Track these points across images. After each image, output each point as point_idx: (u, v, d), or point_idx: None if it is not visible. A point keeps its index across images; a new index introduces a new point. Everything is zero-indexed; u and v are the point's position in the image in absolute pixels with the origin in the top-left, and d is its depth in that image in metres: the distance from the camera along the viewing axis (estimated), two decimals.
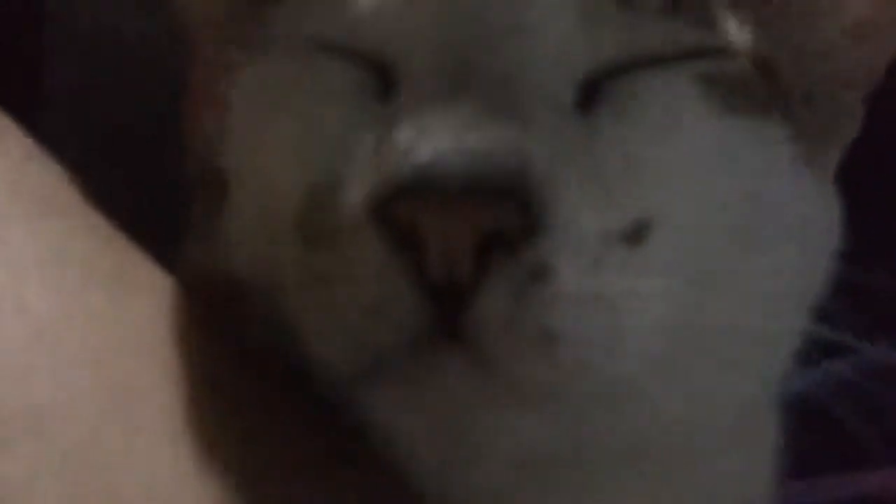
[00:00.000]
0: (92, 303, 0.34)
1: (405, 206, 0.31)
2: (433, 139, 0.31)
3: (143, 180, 0.58)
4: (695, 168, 0.35)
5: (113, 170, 0.64)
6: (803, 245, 0.38)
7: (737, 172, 0.36)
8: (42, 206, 0.37)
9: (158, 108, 0.56)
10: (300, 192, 0.35)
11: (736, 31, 0.38)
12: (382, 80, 0.36)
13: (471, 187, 0.30)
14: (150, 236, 0.52)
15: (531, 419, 0.33)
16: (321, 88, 0.37)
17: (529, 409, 0.33)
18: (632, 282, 0.32)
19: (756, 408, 0.40)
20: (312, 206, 0.35)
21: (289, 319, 0.35)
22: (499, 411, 0.33)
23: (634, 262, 0.33)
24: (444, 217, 0.30)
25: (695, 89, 0.36)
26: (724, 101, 0.36)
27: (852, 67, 0.41)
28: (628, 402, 0.34)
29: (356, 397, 0.34)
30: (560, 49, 0.35)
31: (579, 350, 0.32)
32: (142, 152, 0.62)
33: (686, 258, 0.34)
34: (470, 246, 0.30)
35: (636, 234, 0.33)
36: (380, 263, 0.32)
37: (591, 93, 0.35)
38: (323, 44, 0.38)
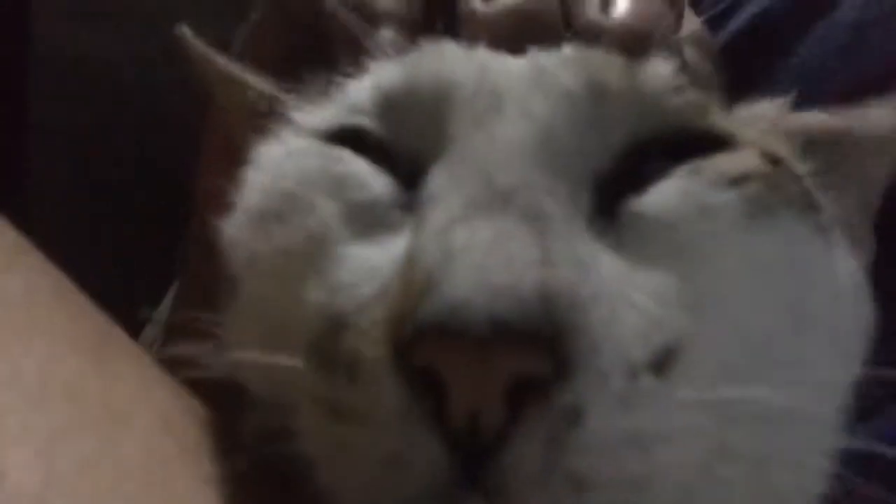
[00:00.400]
0: (79, 454, 0.30)
1: (425, 349, 0.28)
2: (456, 266, 0.29)
3: (132, 206, 0.57)
4: (729, 279, 0.33)
5: (102, 200, 0.63)
6: (840, 343, 0.36)
7: (770, 277, 0.34)
8: (27, 318, 0.34)
9: (146, 136, 0.55)
10: (317, 311, 0.33)
11: (740, 126, 0.37)
12: (398, 173, 0.35)
13: (499, 333, 0.27)
14: (138, 268, 0.51)
15: None
16: (343, 195, 0.35)
17: None
18: (662, 416, 0.30)
19: None
20: (330, 329, 0.32)
21: (296, 439, 0.33)
22: None
23: (663, 394, 0.30)
24: (470, 363, 0.27)
25: (722, 195, 0.34)
26: (749, 203, 0.34)
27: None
28: None
29: None
30: (572, 146, 0.34)
31: (610, 495, 0.29)
32: (131, 179, 0.61)
33: (714, 379, 0.31)
34: (498, 394, 0.28)
35: (666, 361, 0.31)
36: (399, 407, 0.29)
37: (610, 202, 0.34)
38: (336, 130, 0.37)
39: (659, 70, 0.37)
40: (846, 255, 0.37)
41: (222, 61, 0.45)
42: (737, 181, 0.34)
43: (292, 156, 0.38)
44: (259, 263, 0.36)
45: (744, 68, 0.50)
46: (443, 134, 0.35)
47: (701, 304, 0.32)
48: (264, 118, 0.41)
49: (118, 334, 0.36)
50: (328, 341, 0.32)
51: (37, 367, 0.31)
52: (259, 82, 0.43)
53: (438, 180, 0.33)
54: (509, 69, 0.37)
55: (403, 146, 0.36)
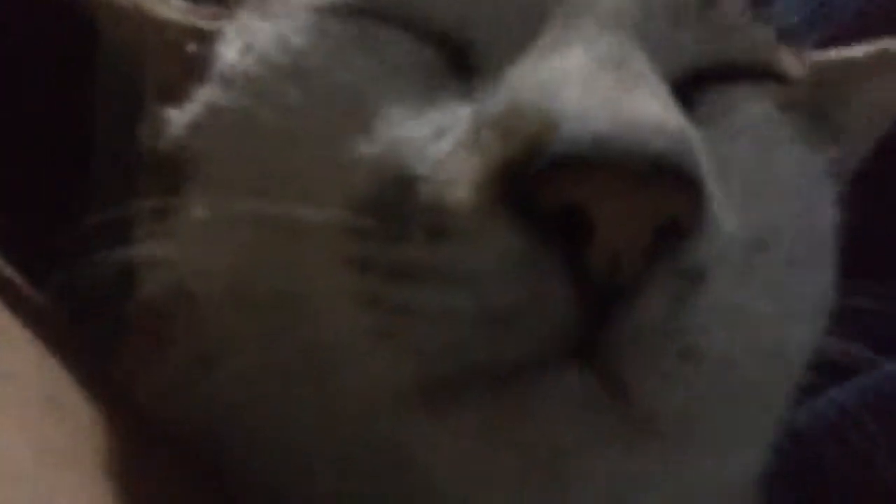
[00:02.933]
0: None
1: (567, 183, 0.25)
2: (587, 104, 0.26)
3: None
4: (786, 191, 0.34)
5: None
6: (832, 264, 0.37)
7: (807, 198, 0.35)
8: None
9: None
10: (370, 167, 0.30)
11: (793, 66, 0.38)
12: (454, 60, 0.33)
13: (658, 169, 0.25)
14: None
15: (640, 459, 0.29)
16: (378, 61, 0.33)
17: (643, 449, 0.29)
18: (759, 298, 0.30)
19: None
20: (394, 186, 0.29)
21: (290, 340, 0.30)
22: (614, 448, 0.28)
23: (758, 278, 0.30)
24: (623, 202, 0.25)
25: (779, 115, 0.36)
26: (798, 130, 0.36)
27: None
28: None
29: (399, 433, 0.29)
30: (656, 39, 0.32)
31: (712, 372, 0.28)
32: None
33: (780, 281, 0.32)
34: (648, 234, 0.26)
35: (758, 249, 0.31)
36: (517, 256, 0.26)
37: (686, 100, 0.33)
38: (376, 12, 0.34)
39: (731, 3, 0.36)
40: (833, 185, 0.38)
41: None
42: (790, 107, 0.36)
43: (302, 17, 0.35)
44: (261, 125, 0.33)
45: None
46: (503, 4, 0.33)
47: (770, 204, 0.33)
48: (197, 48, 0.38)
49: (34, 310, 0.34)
50: (391, 198, 0.29)
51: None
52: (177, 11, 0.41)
53: (520, 44, 0.31)
54: None
55: (441, 21, 0.33)
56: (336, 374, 0.30)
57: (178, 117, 0.36)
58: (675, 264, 0.27)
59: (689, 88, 0.34)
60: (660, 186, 0.26)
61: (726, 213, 0.29)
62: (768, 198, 0.33)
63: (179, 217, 0.34)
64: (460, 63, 0.32)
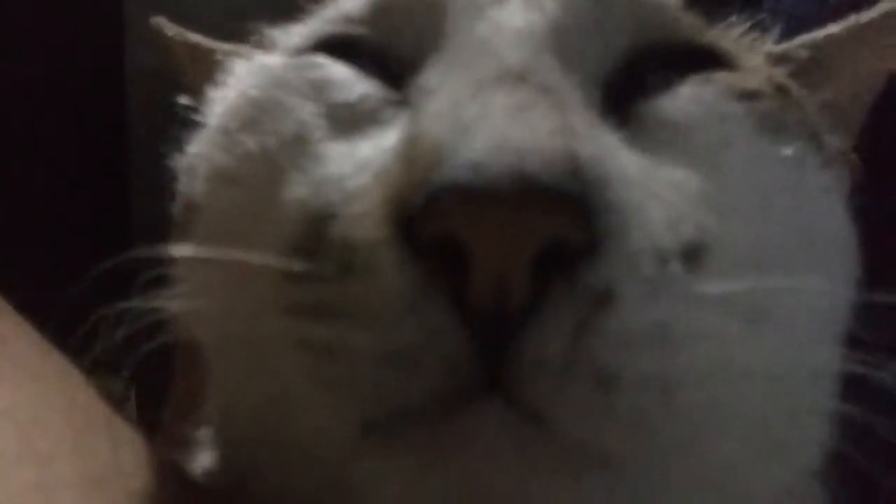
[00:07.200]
0: None
1: (442, 216, 0.25)
2: (474, 132, 0.26)
3: None
4: (743, 188, 0.32)
5: None
6: (838, 274, 0.35)
7: (781, 196, 0.33)
8: None
9: None
10: (298, 208, 0.30)
11: (744, 50, 0.37)
12: (388, 77, 0.33)
13: (529, 190, 0.25)
14: None
15: (581, 490, 0.28)
16: (325, 100, 0.33)
17: (580, 478, 0.28)
18: (690, 311, 0.28)
19: (804, 477, 0.36)
20: (314, 224, 0.29)
21: (259, 386, 0.31)
22: (546, 479, 0.27)
23: (693, 289, 0.28)
24: (497, 225, 0.25)
25: (735, 106, 0.33)
26: (760, 118, 0.33)
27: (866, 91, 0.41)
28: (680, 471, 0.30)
29: (352, 472, 0.29)
30: (576, 42, 0.32)
31: (639, 397, 0.27)
32: None
33: (739, 288, 0.29)
34: (527, 262, 0.25)
35: (693, 256, 0.29)
36: (410, 291, 0.26)
37: (618, 104, 0.32)
38: (321, 41, 0.35)
39: None
40: (841, 198, 0.36)
41: (194, 37, 0.45)
42: (747, 96, 0.34)
43: (263, 68, 0.36)
44: (225, 174, 0.34)
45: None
46: (440, 28, 0.33)
47: (719, 206, 0.31)
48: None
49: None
50: (311, 237, 0.29)
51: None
52: (229, 47, 0.43)
53: (439, 67, 0.31)
54: None
55: (397, 50, 0.34)
56: (292, 420, 0.30)
57: (180, 162, 0.38)
58: (573, 287, 0.26)
59: (627, 84, 0.33)
60: (533, 208, 0.25)
61: (648, 224, 0.28)
62: (713, 198, 0.31)
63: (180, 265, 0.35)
64: (404, 92, 0.33)
